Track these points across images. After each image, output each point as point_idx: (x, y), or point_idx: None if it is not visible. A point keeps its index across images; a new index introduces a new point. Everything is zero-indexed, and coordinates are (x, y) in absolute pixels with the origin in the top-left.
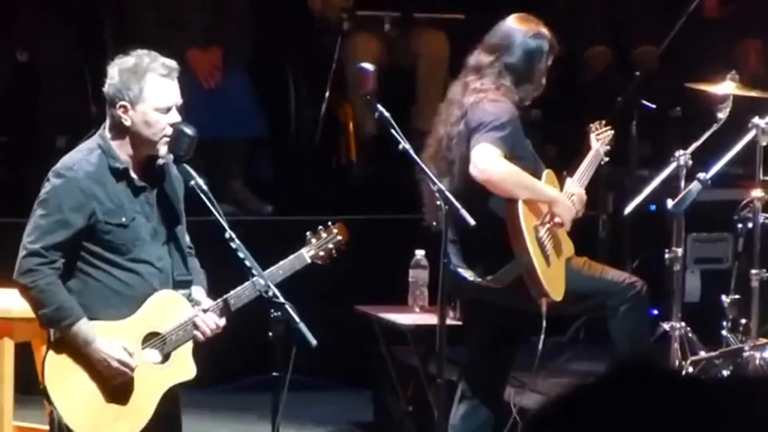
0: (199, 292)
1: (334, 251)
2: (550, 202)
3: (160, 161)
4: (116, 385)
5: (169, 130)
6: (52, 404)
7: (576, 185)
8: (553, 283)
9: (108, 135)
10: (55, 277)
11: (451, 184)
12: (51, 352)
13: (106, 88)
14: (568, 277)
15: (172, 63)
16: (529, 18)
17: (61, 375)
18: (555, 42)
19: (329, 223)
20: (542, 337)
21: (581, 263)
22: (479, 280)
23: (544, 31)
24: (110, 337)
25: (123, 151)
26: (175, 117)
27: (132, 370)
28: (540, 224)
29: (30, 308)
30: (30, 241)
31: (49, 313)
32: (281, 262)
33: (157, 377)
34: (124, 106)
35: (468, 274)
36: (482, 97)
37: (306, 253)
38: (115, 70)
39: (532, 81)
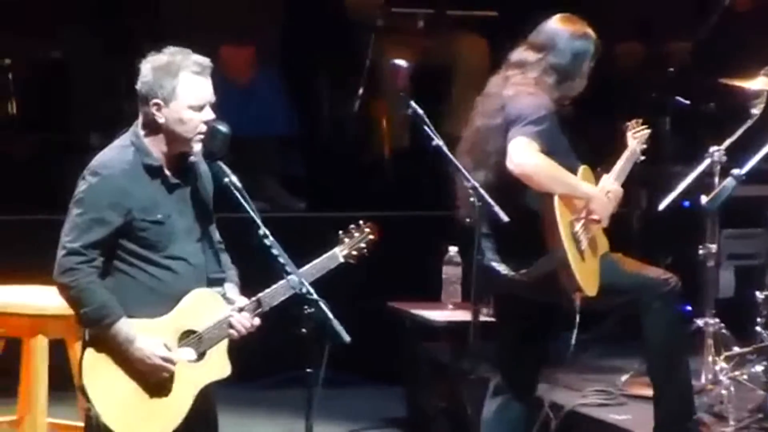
0: (231, 288)
1: (365, 250)
2: (586, 198)
3: (192, 158)
4: (153, 383)
5: (203, 128)
6: (90, 402)
7: (612, 182)
8: (587, 278)
9: (141, 132)
10: (95, 275)
11: (486, 176)
12: (89, 350)
13: (138, 86)
14: (602, 272)
15: (206, 60)
16: (575, 19)
17: (98, 373)
18: (599, 44)
19: (360, 222)
20: (575, 332)
21: (616, 259)
22: (513, 274)
23: (590, 32)
24: (148, 335)
25: (157, 148)
26: (209, 115)
27: (174, 366)
28: (575, 219)
29: (68, 306)
30: (69, 240)
31: (91, 311)
32: (314, 262)
33: (192, 375)
34: (158, 104)
35: (502, 268)
36: (521, 90)
37: (339, 253)
38: (148, 68)
39: (574, 81)
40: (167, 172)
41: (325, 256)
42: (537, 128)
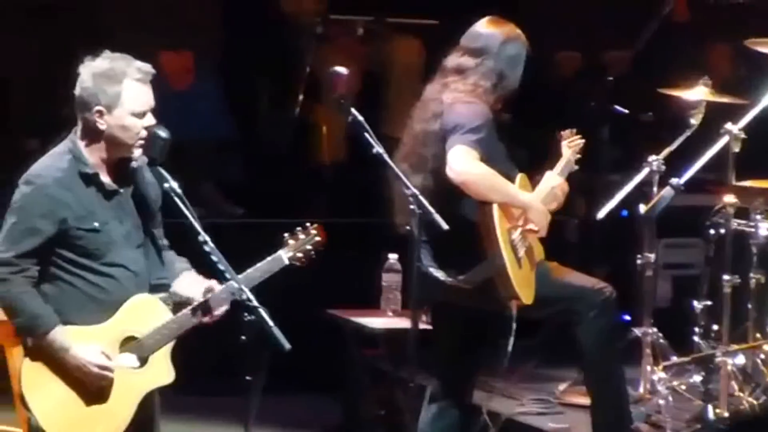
0: (191, 275)
1: (312, 252)
2: (524, 207)
3: (134, 164)
4: (94, 391)
5: (144, 134)
6: (29, 411)
7: (556, 177)
8: (524, 286)
9: (79, 139)
10: (28, 285)
11: (425, 180)
12: (27, 359)
13: (78, 92)
14: (538, 281)
15: (147, 67)
16: (504, 21)
17: (38, 382)
18: (528, 45)
19: (307, 224)
20: (512, 340)
21: (551, 268)
22: (451, 280)
23: (521, 33)
24: (87, 342)
25: (95, 155)
26: (151, 120)
27: (111, 373)
28: (513, 227)
29: (4, 314)
30: (1, 250)
31: (24, 321)
32: (258, 264)
33: (134, 382)
34: (100, 111)
35: (440, 274)
36: (459, 98)
37: (284, 255)
38: (89, 74)
39: (510, 84)
40: (104, 179)
41: (269, 258)
42: (476, 136)
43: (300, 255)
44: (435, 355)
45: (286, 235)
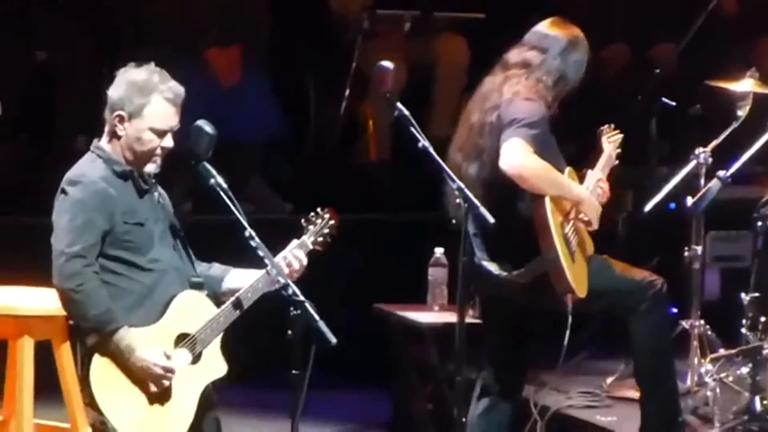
0: (236, 271)
1: (328, 237)
2: (578, 200)
3: (149, 171)
4: (158, 392)
5: (160, 152)
6: (103, 416)
7: (598, 172)
8: (578, 279)
9: (104, 144)
10: (99, 280)
11: (480, 170)
12: (96, 363)
13: (110, 92)
14: (591, 274)
15: (180, 89)
16: (569, 23)
17: (107, 385)
18: (588, 47)
19: (318, 210)
20: (568, 333)
21: (603, 261)
22: (505, 274)
23: (583, 37)
24: (146, 343)
25: (120, 155)
26: (169, 142)
27: (173, 374)
28: (565, 221)
29: (54, 307)
30: (66, 245)
31: (99, 315)
32: (284, 252)
33: (193, 378)
34: (121, 116)
35: (493, 268)
36: (519, 92)
37: (308, 240)
38: (124, 79)
39: (569, 84)
40: (137, 176)
41: (296, 244)
42: (532, 132)
43: (320, 239)
44: (487, 349)
45: (303, 221)
